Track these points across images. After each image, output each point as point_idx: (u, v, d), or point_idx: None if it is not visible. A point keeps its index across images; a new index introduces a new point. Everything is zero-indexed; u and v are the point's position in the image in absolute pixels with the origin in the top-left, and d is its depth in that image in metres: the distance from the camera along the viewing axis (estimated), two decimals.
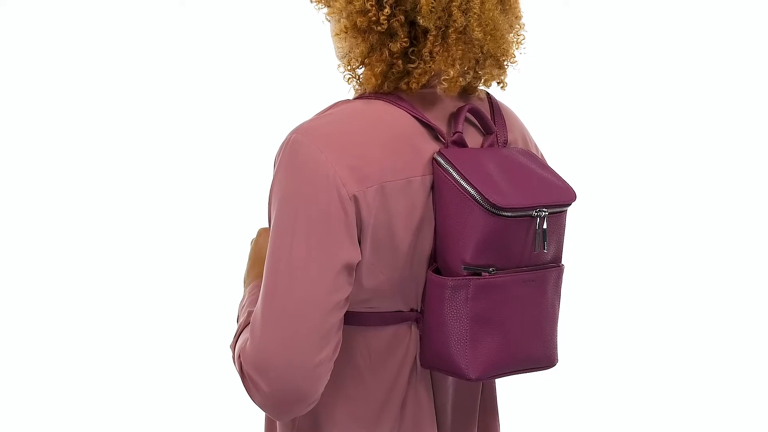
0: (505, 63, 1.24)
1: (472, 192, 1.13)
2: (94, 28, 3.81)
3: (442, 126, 1.22)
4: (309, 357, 1.11)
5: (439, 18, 1.14)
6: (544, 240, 1.17)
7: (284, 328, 1.10)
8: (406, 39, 1.15)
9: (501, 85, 1.28)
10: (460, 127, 1.20)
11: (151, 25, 3.82)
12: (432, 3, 1.13)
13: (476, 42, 1.17)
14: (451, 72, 1.17)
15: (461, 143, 1.20)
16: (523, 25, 1.26)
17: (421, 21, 1.14)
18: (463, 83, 1.21)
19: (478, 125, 1.27)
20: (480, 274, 1.16)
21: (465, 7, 1.15)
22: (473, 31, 1.16)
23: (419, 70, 1.17)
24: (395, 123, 1.17)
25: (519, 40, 1.26)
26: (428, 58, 1.16)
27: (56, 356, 3.48)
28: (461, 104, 1.25)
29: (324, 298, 1.11)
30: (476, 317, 1.16)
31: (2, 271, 3.71)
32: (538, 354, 1.23)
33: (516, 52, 1.26)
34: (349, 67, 1.21)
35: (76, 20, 3.80)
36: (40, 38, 3.81)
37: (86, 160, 3.83)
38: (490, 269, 1.16)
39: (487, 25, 1.17)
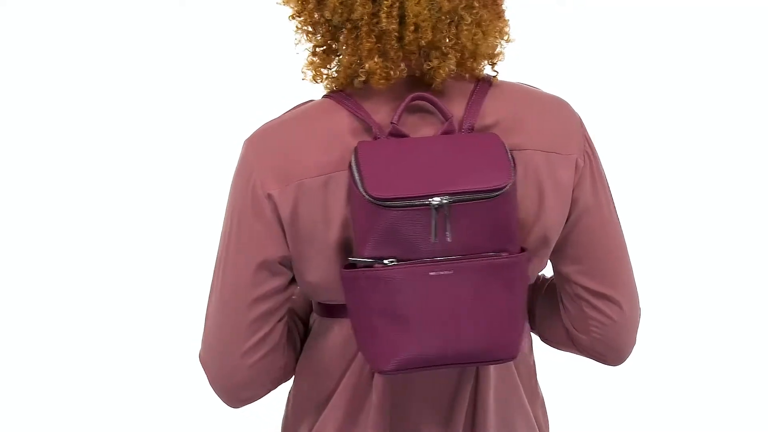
0: (456, 55, 1.18)
1: (359, 183, 1.11)
2: (94, 27, 3.82)
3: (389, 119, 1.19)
4: (236, 345, 1.22)
5: (341, 14, 1.14)
6: (444, 230, 1.11)
7: (216, 320, 1.24)
8: (327, 35, 1.19)
9: (468, 75, 1.22)
10: (395, 119, 1.16)
11: (152, 25, 3.82)
12: None
13: (392, 33, 1.14)
14: (367, 65, 1.15)
15: (398, 134, 1.17)
16: (482, 16, 1.19)
17: (327, 14, 1.16)
18: (396, 76, 1.17)
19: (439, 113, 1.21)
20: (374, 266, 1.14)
21: None
22: (381, 22, 1.13)
23: (340, 66, 1.20)
24: (331, 120, 1.19)
25: (473, 32, 1.18)
26: (344, 52, 1.18)
27: (56, 357, 3.49)
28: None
29: (245, 292, 1.21)
30: (376, 310, 1.14)
31: (1, 271, 3.73)
32: (478, 348, 1.16)
33: (490, 46, 1.20)
34: (304, 69, 1.24)
35: (75, 20, 3.81)
36: (40, 38, 3.82)
37: (86, 160, 3.84)
38: (388, 261, 1.13)
39: (409, 17, 1.13)
